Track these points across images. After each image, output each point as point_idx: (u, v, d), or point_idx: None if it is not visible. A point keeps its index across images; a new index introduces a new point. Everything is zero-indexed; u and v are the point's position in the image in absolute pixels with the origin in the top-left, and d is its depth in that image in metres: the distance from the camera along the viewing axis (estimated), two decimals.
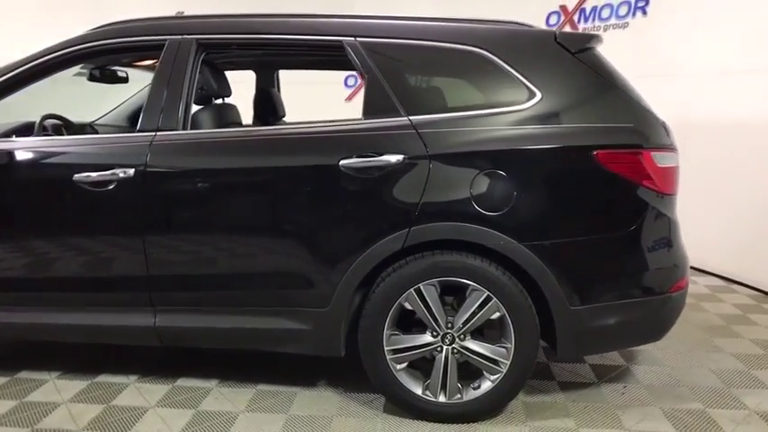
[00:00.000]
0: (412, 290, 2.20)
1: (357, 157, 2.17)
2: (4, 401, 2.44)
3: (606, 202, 2.18)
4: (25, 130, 2.71)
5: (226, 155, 2.27)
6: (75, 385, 2.59)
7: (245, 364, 2.76)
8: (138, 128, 2.31)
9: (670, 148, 2.23)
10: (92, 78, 2.90)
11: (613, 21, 4.90)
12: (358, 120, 2.24)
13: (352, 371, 2.56)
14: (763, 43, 3.75)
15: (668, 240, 2.24)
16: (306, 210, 2.22)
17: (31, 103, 2.81)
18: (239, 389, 2.56)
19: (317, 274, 2.23)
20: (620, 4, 4.82)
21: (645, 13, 4.64)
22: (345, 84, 6.46)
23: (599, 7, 5.00)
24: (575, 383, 2.64)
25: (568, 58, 2.26)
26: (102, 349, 2.94)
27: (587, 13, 5.11)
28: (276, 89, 3.72)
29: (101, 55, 2.48)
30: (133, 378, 2.66)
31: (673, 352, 2.96)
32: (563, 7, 5.26)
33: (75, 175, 2.24)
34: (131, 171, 2.22)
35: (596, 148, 2.13)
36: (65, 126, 2.87)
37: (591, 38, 2.30)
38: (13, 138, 2.47)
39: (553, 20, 5.39)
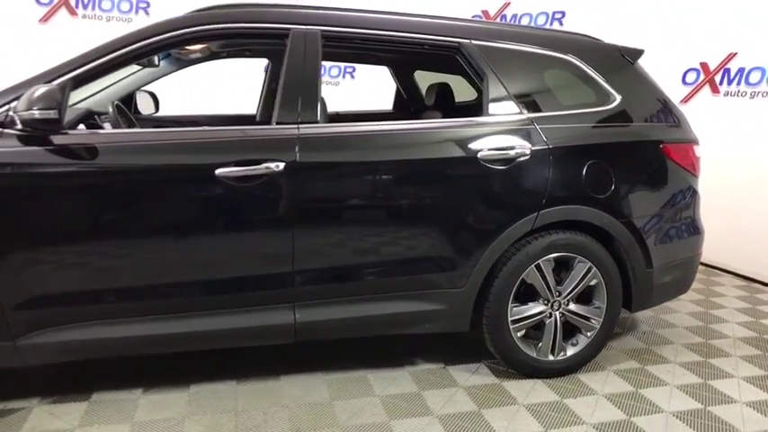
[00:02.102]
0: (533, 266, 2.52)
1: (491, 149, 2.40)
2: (112, 426, 2.17)
3: (668, 184, 2.73)
4: (87, 118, 2.36)
5: (375, 148, 2.32)
6: (176, 398, 2.38)
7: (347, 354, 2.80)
8: (276, 120, 2.23)
9: (698, 142, 2.87)
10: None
11: None
12: (486, 117, 2.48)
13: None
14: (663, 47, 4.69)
15: (697, 213, 2.90)
16: (452, 198, 2.39)
17: None
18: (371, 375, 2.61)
19: (460, 257, 2.42)
20: (539, 14, 5.58)
21: (561, 24, 5.45)
22: (265, 72, 6.28)
23: (519, 15, 5.71)
24: (613, 334, 3.21)
25: (630, 67, 2.77)
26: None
27: (507, 19, 5.78)
28: None
29: (212, 39, 2.32)
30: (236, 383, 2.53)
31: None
32: (485, 12, 5.87)
33: (218, 170, 2.10)
34: (282, 165, 2.15)
35: (663, 143, 2.69)
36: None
37: (641, 52, 2.84)
38: (143, 129, 2.19)
39: None
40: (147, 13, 5.72)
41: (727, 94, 4.36)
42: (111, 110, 2.41)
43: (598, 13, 5.17)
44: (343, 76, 5.83)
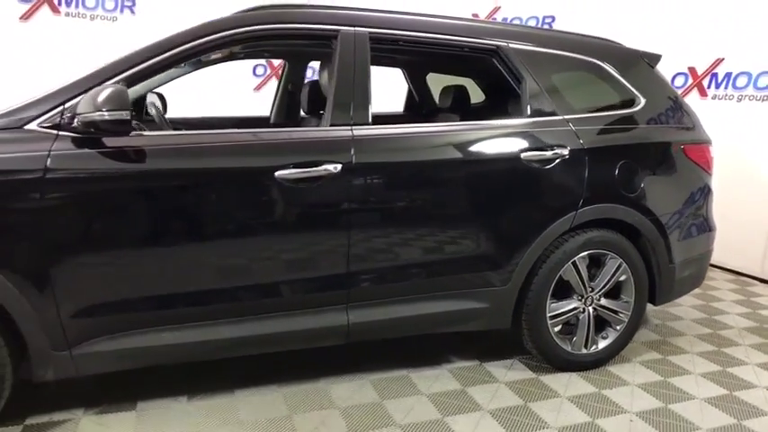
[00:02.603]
0: (570, 263, 2.61)
1: (533, 150, 2.48)
2: None
3: (688, 183, 2.88)
4: None
5: (427, 149, 2.36)
6: (224, 404, 2.35)
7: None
8: (329, 122, 2.24)
9: (711, 142, 3.03)
10: None
11: None
12: (526, 119, 2.55)
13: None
14: None
15: (710, 210, 3.05)
16: (498, 198, 2.45)
17: None
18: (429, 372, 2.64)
19: (505, 255, 2.49)
20: (529, 18, 5.72)
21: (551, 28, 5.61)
22: (254, 73, 6.21)
23: (509, 18, 5.84)
24: None
25: (651, 71, 2.91)
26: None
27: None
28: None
29: (261, 40, 2.28)
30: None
31: None
32: (475, 15, 5.97)
33: (278, 172, 2.09)
34: (339, 166, 2.16)
35: (683, 143, 2.83)
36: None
37: (660, 57, 2.97)
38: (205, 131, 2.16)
39: None
40: (132, 12, 5.56)
41: (714, 97, 4.60)
42: (153, 111, 2.36)
43: (588, 18, 5.35)
44: None
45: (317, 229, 2.21)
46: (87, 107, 1.83)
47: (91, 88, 1.93)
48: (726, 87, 4.51)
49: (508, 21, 5.86)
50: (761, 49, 4.29)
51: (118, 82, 1.98)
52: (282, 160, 2.11)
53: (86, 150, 1.91)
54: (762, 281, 4.40)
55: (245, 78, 6.15)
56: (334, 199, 2.19)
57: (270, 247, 2.17)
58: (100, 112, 1.79)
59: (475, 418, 2.32)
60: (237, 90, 5.96)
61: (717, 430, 2.31)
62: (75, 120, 1.88)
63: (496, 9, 5.98)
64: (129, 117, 1.82)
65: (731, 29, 4.43)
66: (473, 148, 2.43)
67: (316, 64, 3.78)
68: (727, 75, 4.50)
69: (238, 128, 2.30)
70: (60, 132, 1.91)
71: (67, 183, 1.89)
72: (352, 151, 2.20)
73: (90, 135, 1.91)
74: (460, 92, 3.37)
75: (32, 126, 1.90)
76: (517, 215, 2.50)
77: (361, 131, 2.25)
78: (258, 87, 6.25)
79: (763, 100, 4.32)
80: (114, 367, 2.11)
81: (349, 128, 2.24)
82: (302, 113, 3.52)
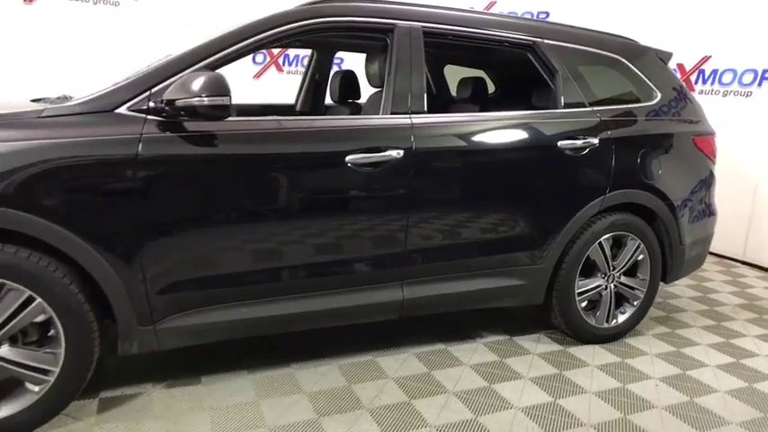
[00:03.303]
0: (596, 243, 2.84)
1: (569, 139, 2.68)
2: (243, 404, 2.25)
3: (697, 171, 3.14)
4: None
5: (480, 136, 2.53)
6: (284, 376, 2.48)
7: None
8: (390, 110, 2.38)
9: (716, 133, 3.30)
10: None
11: None
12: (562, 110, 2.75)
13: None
14: None
15: (713, 196, 3.33)
16: (536, 183, 2.66)
17: None
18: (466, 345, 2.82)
19: (542, 236, 2.69)
20: (524, 13, 5.94)
21: None
22: (253, 61, 6.24)
23: (504, 13, 6.05)
24: None
25: (664, 67, 3.15)
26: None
27: None
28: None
29: (324, 32, 2.39)
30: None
31: None
32: None
33: (348, 157, 2.23)
34: (402, 152, 2.31)
35: (694, 134, 3.09)
36: None
37: (671, 54, 3.22)
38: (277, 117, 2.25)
39: None
40: None
41: (701, 92, 4.92)
42: None
43: (580, 15, 5.59)
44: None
45: (381, 209, 2.36)
46: (180, 93, 1.92)
47: (174, 74, 2.04)
48: (712, 83, 4.84)
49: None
50: (746, 47, 4.62)
51: (199, 69, 2.08)
52: (352, 145, 2.25)
53: (176, 134, 2.00)
54: (744, 263, 4.77)
55: (245, 66, 6.17)
56: (395, 182, 2.34)
57: (340, 226, 2.30)
58: (199, 98, 1.89)
59: (519, 385, 2.52)
60: (237, 77, 5.95)
61: (733, 392, 2.58)
62: (166, 104, 1.96)
63: (492, 4, 6.19)
64: (228, 102, 1.92)
65: (718, 28, 4.75)
66: (519, 136, 2.62)
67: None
68: (714, 71, 4.83)
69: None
70: (149, 117, 2.00)
71: (158, 164, 1.98)
72: (412, 138, 2.35)
73: (177, 119, 2.00)
74: (479, 83, 3.56)
75: (122, 110, 1.98)
76: (555, 199, 2.71)
77: (419, 119, 2.40)
78: (257, 75, 6.28)
79: (746, 95, 4.66)
80: (193, 341, 2.21)
81: (408, 116, 2.39)
82: (330, 102, 3.64)
